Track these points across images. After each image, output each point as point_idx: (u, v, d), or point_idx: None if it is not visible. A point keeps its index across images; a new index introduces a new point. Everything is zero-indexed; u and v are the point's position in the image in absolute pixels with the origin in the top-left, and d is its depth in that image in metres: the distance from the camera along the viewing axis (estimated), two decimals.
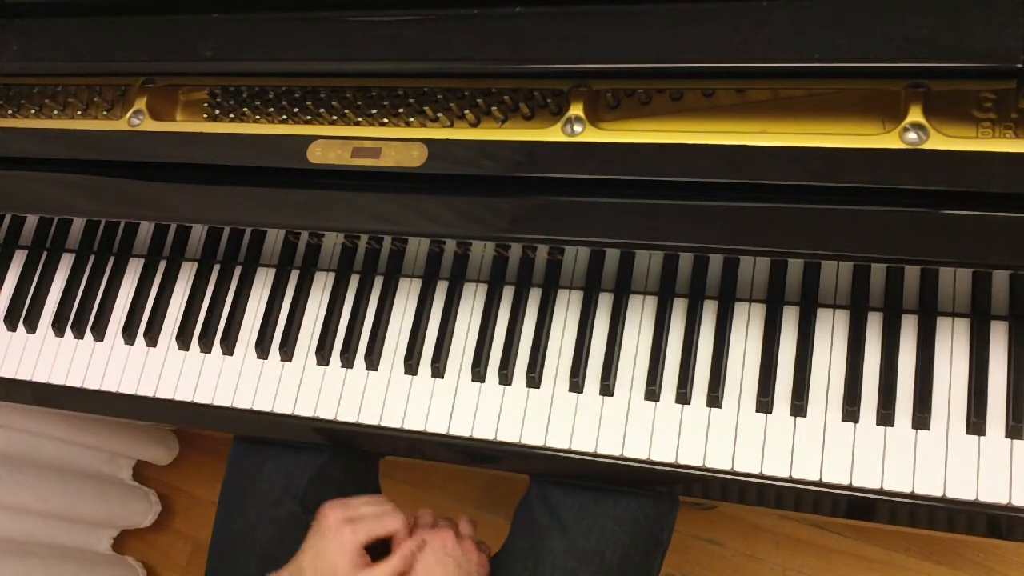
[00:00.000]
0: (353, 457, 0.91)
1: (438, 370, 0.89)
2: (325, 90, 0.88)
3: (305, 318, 0.96)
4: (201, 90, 0.94)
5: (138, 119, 0.91)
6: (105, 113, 0.96)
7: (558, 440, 0.84)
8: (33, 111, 0.98)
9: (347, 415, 0.91)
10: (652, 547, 0.88)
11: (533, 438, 0.85)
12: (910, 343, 0.79)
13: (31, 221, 1.07)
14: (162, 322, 1.00)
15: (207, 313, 0.98)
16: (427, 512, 0.88)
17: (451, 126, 0.84)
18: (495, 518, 1.49)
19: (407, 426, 0.89)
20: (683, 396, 0.82)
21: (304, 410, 0.92)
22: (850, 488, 0.76)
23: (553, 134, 0.78)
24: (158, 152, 0.88)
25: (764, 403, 0.80)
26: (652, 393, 0.83)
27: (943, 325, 0.79)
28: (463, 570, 0.82)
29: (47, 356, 1.03)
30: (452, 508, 1.54)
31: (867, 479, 0.76)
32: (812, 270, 0.81)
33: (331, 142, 0.83)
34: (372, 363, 0.92)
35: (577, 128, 0.78)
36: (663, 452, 0.81)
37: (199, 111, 0.94)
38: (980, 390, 0.76)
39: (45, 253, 1.08)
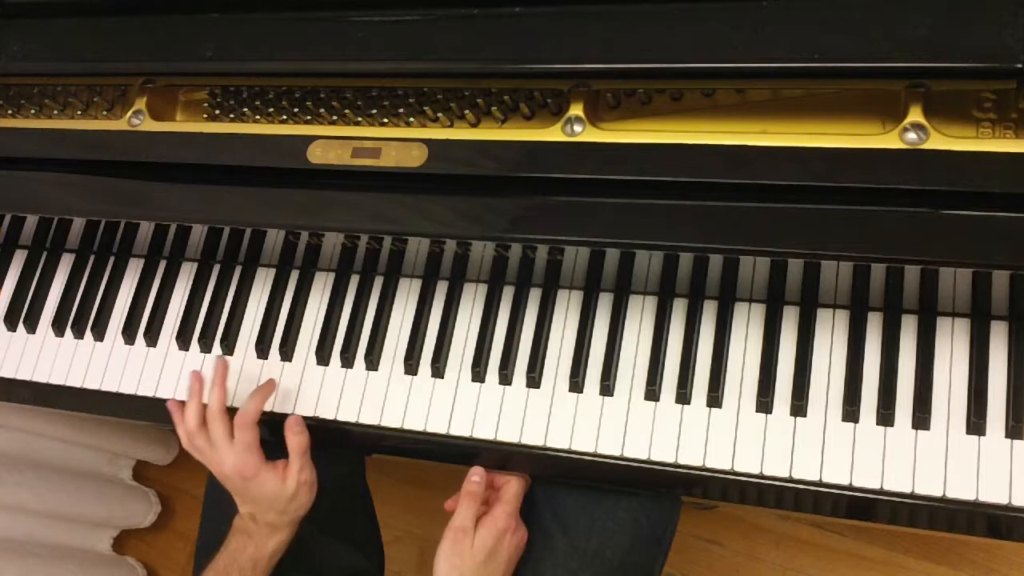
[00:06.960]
0: (337, 455, 0.90)
1: (438, 370, 0.89)
2: (325, 90, 0.88)
3: (305, 318, 0.96)
4: (201, 90, 0.94)
5: (138, 119, 0.91)
6: (105, 113, 0.96)
7: (558, 440, 0.84)
8: (33, 111, 0.98)
9: (347, 415, 0.91)
10: (653, 548, 0.88)
11: (533, 438, 0.85)
12: (910, 343, 0.79)
13: (31, 221, 1.07)
14: (162, 322, 1.00)
15: (207, 313, 0.98)
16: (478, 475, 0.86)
17: (451, 126, 0.84)
18: None
19: (407, 426, 0.89)
20: (683, 396, 0.82)
21: (304, 410, 0.92)
22: (850, 488, 0.76)
23: (553, 134, 0.78)
24: (158, 152, 0.88)
25: (764, 403, 0.80)
26: (652, 393, 0.83)
27: (943, 325, 0.79)
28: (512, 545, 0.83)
29: (47, 356, 1.03)
30: None
31: (867, 479, 0.76)
32: (812, 270, 0.81)
33: (331, 142, 0.83)
34: (372, 363, 0.92)
35: (577, 128, 0.78)
36: (663, 452, 0.81)
37: (199, 111, 0.94)
38: (980, 390, 0.76)
39: (45, 253, 1.08)
